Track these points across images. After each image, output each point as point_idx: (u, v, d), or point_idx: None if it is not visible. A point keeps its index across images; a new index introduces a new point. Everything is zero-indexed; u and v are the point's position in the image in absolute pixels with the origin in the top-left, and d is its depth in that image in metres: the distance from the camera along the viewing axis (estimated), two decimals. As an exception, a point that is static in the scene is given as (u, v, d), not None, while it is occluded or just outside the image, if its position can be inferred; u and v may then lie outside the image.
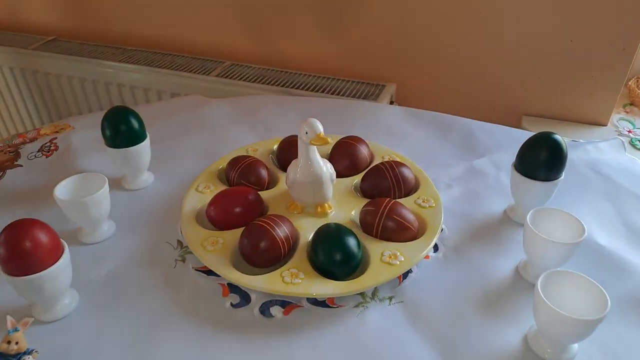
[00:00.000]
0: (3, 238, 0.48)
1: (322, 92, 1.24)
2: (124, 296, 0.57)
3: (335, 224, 0.60)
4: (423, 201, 0.67)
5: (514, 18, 1.13)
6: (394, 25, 1.23)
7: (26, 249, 0.48)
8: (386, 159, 0.76)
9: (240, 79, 1.31)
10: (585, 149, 0.88)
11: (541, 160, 0.65)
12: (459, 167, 0.82)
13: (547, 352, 0.51)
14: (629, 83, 1.31)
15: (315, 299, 0.56)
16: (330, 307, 0.56)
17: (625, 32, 1.06)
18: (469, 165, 0.82)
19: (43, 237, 0.49)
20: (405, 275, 0.59)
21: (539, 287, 0.50)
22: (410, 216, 0.62)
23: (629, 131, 1.19)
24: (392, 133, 0.92)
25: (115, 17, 1.53)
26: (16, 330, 0.45)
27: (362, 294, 0.57)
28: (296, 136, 0.76)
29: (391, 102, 1.24)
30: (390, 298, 0.57)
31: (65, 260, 0.51)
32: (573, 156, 0.85)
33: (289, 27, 1.34)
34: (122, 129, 0.69)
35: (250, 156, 0.73)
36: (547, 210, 0.61)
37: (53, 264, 0.50)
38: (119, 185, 0.75)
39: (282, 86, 1.26)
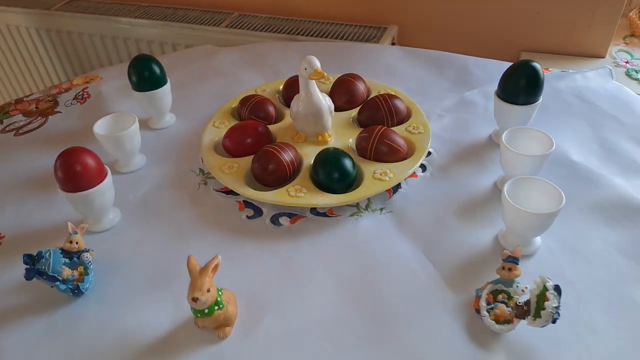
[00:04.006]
0: (59, 163, 0.59)
1: (326, 37, 1.30)
2: (157, 213, 0.68)
3: (334, 147, 0.69)
4: (413, 128, 0.76)
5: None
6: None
7: (78, 171, 0.59)
8: (382, 93, 0.84)
9: (248, 28, 1.38)
10: (573, 78, 0.93)
11: (520, 86, 0.72)
12: (451, 100, 0.89)
13: (514, 245, 0.61)
14: (630, 14, 1.33)
15: (317, 210, 0.66)
16: (330, 216, 0.66)
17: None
18: (460, 97, 0.89)
19: (90, 161, 0.60)
20: (395, 190, 0.69)
21: (505, 191, 0.58)
22: (400, 141, 0.71)
23: (626, 62, 1.22)
24: (391, 72, 0.99)
25: (129, -26, 1.60)
26: (75, 233, 0.56)
27: (357, 206, 0.67)
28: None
29: (393, 44, 1.30)
30: (382, 209, 0.67)
31: (109, 180, 0.62)
32: (560, 85, 0.91)
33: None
34: (146, 75, 0.79)
35: (259, 95, 0.82)
36: (521, 130, 0.68)
37: (100, 182, 0.61)
38: (146, 125, 0.85)
39: (287, 34, 1.33)
